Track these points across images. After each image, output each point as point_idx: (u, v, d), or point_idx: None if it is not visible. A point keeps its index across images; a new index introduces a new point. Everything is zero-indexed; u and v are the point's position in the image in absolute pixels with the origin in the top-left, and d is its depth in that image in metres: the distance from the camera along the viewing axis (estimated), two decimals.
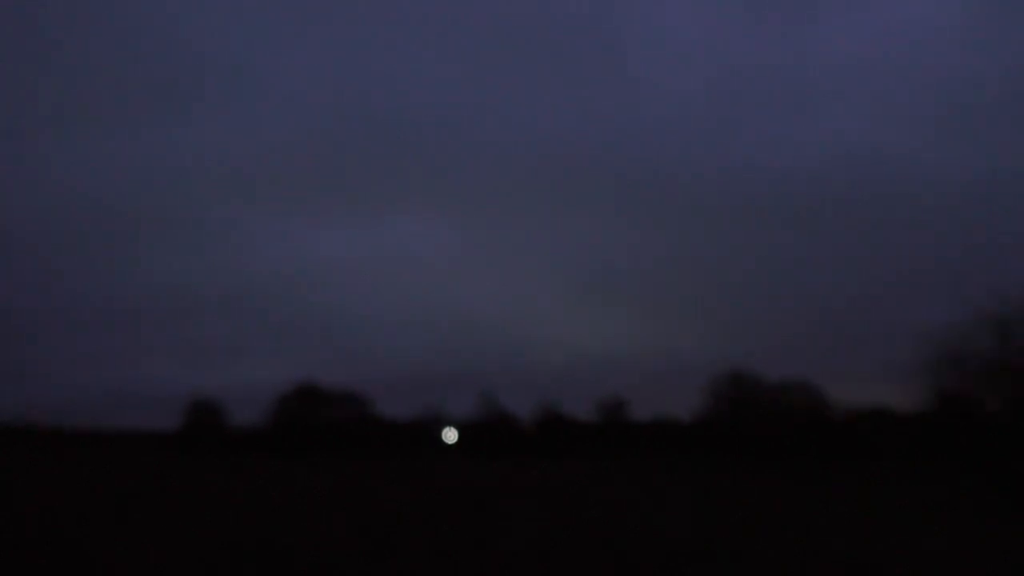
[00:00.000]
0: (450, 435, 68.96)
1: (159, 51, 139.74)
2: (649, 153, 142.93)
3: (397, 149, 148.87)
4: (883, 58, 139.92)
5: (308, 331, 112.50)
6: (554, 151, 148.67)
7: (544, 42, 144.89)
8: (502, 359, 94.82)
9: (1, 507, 22.56)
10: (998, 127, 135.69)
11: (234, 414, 69.80)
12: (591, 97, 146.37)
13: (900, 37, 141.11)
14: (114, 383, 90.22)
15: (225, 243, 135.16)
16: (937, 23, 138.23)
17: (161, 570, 12.09)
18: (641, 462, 56.67)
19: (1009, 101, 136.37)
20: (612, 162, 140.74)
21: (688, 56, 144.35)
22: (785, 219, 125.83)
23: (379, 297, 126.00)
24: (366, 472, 43.27)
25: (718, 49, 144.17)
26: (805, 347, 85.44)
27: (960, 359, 28.71)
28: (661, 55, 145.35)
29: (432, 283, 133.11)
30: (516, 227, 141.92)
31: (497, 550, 14.17)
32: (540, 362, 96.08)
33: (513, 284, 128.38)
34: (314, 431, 65.19)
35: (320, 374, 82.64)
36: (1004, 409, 28.40)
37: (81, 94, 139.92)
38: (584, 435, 66.61)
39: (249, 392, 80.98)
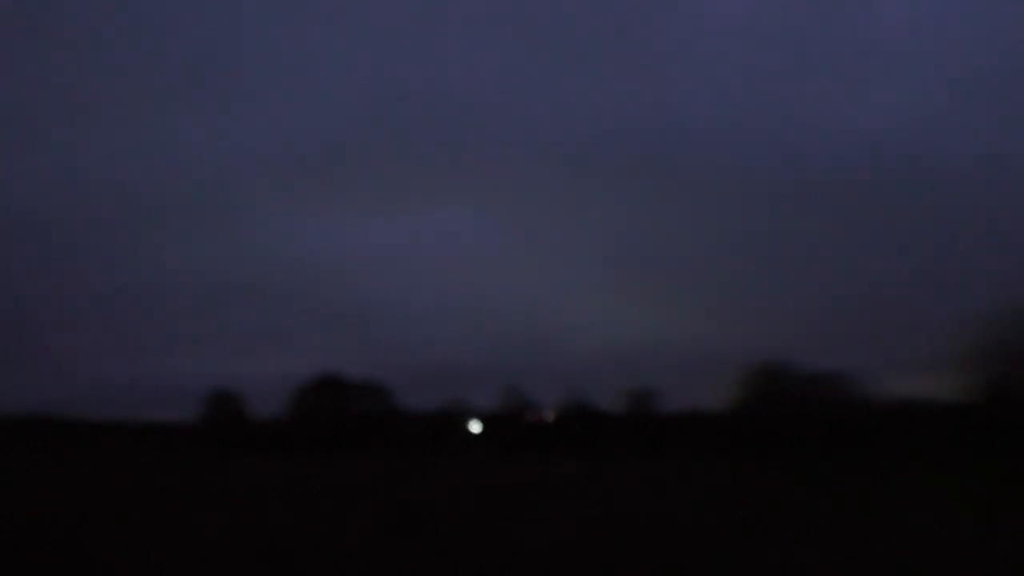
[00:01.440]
0: (475, 426, 68.76)
1: (195, 37, 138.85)
2: (688, 137, 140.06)
3: (433, 138, 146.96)
4: (938, 31, 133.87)
5: (334, 322, 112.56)
6: (592, 138, 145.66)
7: (585, 29, 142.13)
8: (530, 350, 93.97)
9: (20, 500, 23.19)
10: None
11: (255, 406, 69.67)
12: (632, 81, 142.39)
13: (954, 7, 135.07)
14: (137, 374, 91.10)
15: (256, 233, 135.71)
16: None
17: (180, 563, 12.39)
18: (670, 455, 56.21)
19: None
20: (650, 147, 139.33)
21: (732, 33, 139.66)
22: (829, 203, 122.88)
23: (407, 288, 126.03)
24: (388, 465, 43.44)
25: (763, 26, 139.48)
26: (846, 336, 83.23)
27: (1005, 349, 27.72)
28: (703, 33, 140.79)
29: (463, 273, 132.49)
30: (551, 215, 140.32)
31: (524, 546, 14.18)
32: (568, 352, 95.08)
33: (547, 273, 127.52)
34: (335, 423, 65.60)
35: (344, 366, 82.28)
36: None
37: (113, 81, 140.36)
38: (611, 427, 65.93)
39: (270, 384, 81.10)
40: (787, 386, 62.98)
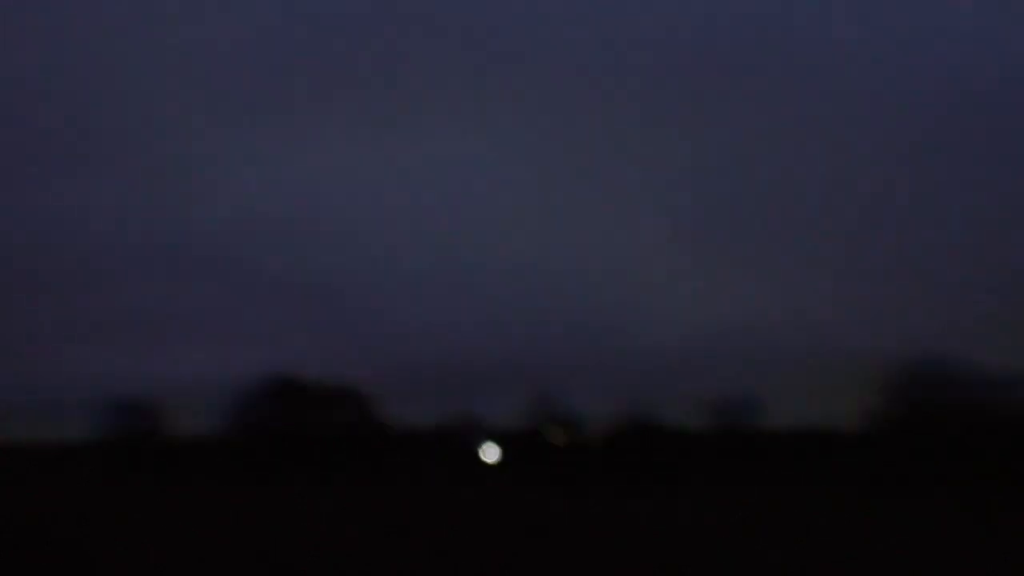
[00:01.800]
0: (490, 452, 55.60)
1: None
2: (793, 52, 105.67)
3: (428, 39, 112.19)
4: None
5: (292, 302, 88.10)
6: (658, 48, 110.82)
7: None
8: (570, 342, 71.70)
9: None
10: None
11: (181, 420, 56.83)
12: None
13: None
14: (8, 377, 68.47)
15: (178, 177, 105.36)
16: None
17: None
18: (777, 489, 44.34)
19: None
20: (742, 60, 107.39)
21: None
22: (995, 142, 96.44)
23: (397, 254, 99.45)
24: (367, 499, 37.30)
25: None
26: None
27: None
28: None
29: (474, 232, 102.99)
30: (602, 153, 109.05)
31: None
32: (626, 346, 72.51)
33: (595, 234, 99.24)
34: (295, 442, 52.66)
35: (306, 364, 61.15)
36: None
37: None
38: (690, 451, 52.14)
39: (201, 390, 59.75)
40: (947, 393, 48.87)
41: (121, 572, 13.12)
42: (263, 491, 42.83)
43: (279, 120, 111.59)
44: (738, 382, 57.26)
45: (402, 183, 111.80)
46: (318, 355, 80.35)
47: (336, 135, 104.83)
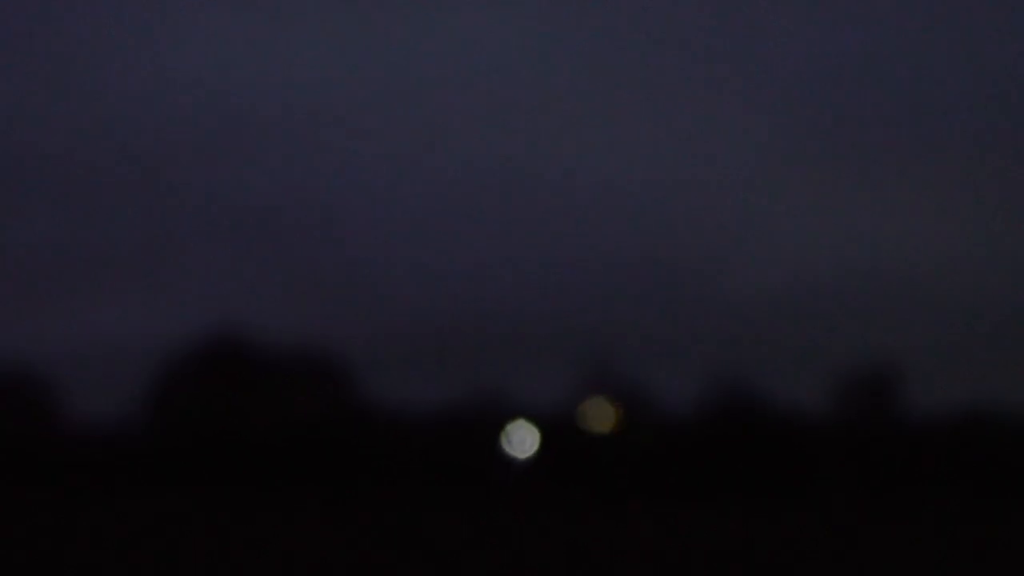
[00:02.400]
0: (521, 443, 41.83)
1: None
2: None
3: None
4: None
5: (236, 236, 71.11)
6: None
7: None
8: (639, 291, 57.54)
9: None
10: None
11: (79, 403, 43.01)
12: None
13: None
14: None
15: (81, 64, 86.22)
16: None
17: None
18: (932, 498, 34.38)
19: None
20: None
21: None
22: None
23: (392, 169, 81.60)
24: (341, 513, 29.19)
25: None
26: None
27: None
28: None
29: (503, 141, 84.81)
30: (680, 44, 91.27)
31: None
32: (720, 296, 58.50)
33: (668, 149, 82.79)
34: (236, 438, 40.91)
35: (257, 321, 47.13)
36: None
37: None
38: (807, 446, 39.95)
39: (108, 362, 45.49)
40: None
41: None
42: (192, 502, 32.08)
43: None
44: (870, 348, 45.17)
45: (403, 66, 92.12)
46: (275, 312, 63.82)
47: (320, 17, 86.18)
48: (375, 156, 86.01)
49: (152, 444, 41.38)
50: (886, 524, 28.11)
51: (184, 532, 25.45)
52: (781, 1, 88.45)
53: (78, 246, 72.93)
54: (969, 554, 18.78)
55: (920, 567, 16.94)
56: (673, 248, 71.21)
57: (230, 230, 76.23)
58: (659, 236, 74.32)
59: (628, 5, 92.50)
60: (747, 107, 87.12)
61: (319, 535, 23.97)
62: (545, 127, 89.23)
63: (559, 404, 41.34)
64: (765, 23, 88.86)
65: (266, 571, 16.26)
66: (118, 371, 44.12)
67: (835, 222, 77.91)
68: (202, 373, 41.67)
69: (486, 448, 41.21)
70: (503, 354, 50.08)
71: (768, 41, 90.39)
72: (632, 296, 62.52)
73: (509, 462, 42.60)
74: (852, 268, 63.48)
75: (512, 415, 42.09)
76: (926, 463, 38.22)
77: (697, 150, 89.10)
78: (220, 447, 40.26)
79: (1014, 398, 39.37)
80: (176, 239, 72.59)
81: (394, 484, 38.98)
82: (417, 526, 27.43)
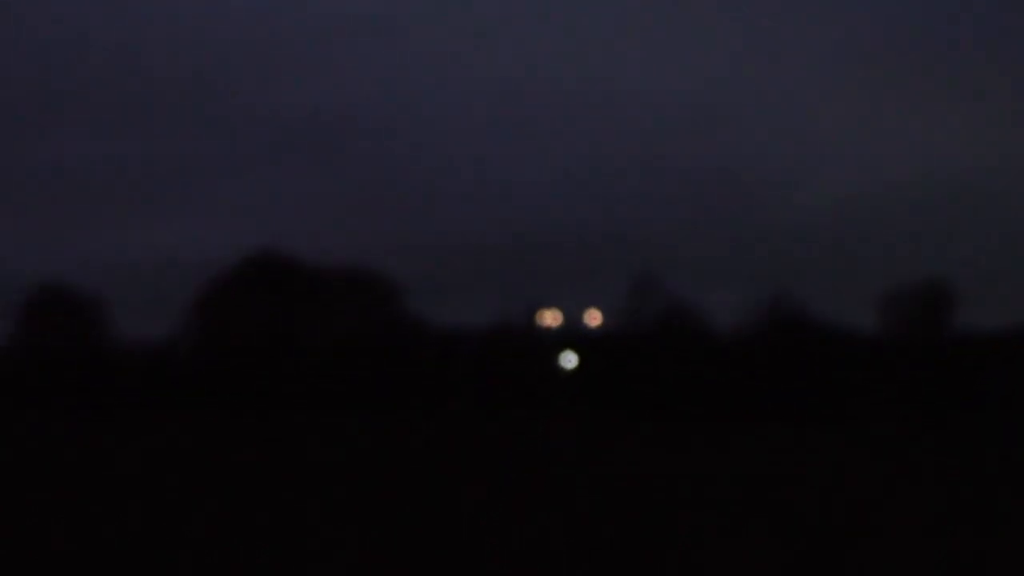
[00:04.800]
0: (568, 360, 42.82)
1: None
2: None
3: None
4: None
5: (282, 155, 71.98)
6: None
7: None
8: (690, 207, 57.44)
9: None
10: None
11: (121, 319, 43.56)
12: None
13: None
14: None
15: None
16: None
17: None
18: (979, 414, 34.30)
19: None
20: None
21: None
22: None
23: (437, 82, 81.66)
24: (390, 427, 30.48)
25: None
26: None
27: None
28: None
29: (551, 51, 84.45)
30: None
31: None
32: (770, 212, 58.23)
33: (717, 63, 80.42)
34: (283, 352, 40.74)
35: (300, 239, 48.43)
36: None
37: None
38: (857, 361, 38.59)
39: (150, 275, 46.92)
40: None
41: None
42: (236, 418, 34.47)
43: None
44: (931, 267, 43.95)
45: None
46: (321, 228, 64.06)
47: None
48: (423, 84, 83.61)
49: (200, 353, 42.01)
50: (936, 435, 28.58)
51: (232, 432, 27.36)
52: None
53: (137, 166, 72.92)
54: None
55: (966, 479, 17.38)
56: (723, 170, 69.29)
57: (279, 153, 75.75)
58: (710, 158, 72.06)
59: None
60: (809, 26, 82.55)
61: (361, 440, 25.57)
62: (602, 42, 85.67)
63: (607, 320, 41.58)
64: None
65: (309, 472, 17.70)
66: (173, 285, 45.03)
67: (881, 140, 74.74)
68: (244, 289, 41.86)
69: (527, 359, 41.27)
70: (552, 273, 50.03)
71: None
72: (683, 216, 61.41)
73: (559, 373, 42.93)
74: (901, 181, 61.66)
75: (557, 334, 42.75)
76: (977, 377, 37.13)
77: (742, 74, 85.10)
78: (265, 362, 40.42)
79: None
80: (227, 160, 72.60)
81: (441, 396, 39.36)
82: (463, 431, 29.61)
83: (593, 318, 44.55)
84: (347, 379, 40.02)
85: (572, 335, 43.81)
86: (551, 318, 43.98)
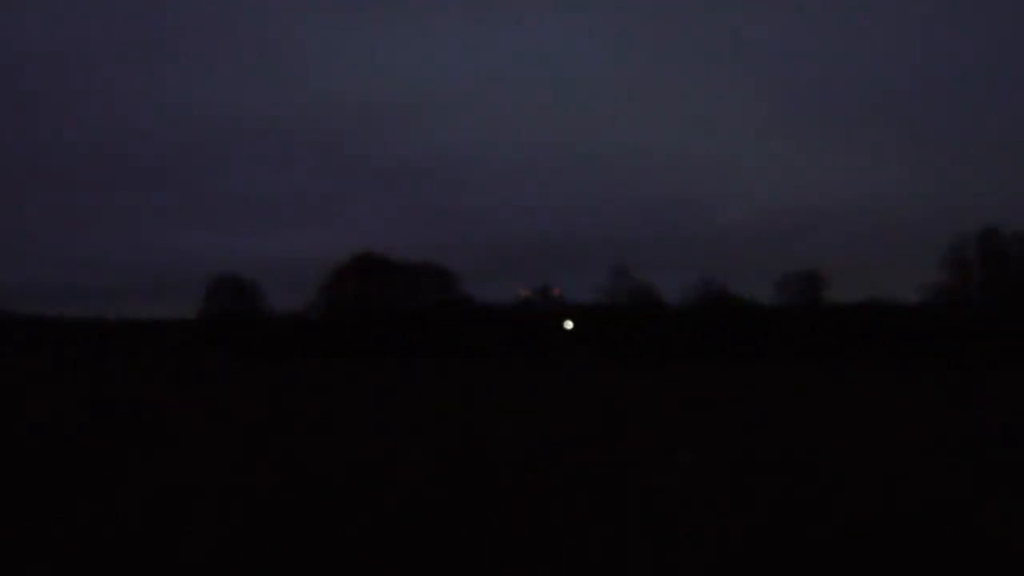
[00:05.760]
0: (568, 325, 56.18)
1: None
2: None
3: None
4: None
5: (385, 182, 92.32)
6: None
7: None
8: (653, 218, 74.40)
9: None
10: None
11: (274, 297, 57.76)
12: None
13: None
14: (116, 253, 73.39)
15: (278, 61, 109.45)
16: None
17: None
18: (847, 362, 45.24)
19: None
20: None
21: None
22: None
23: (486, 132, 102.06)
24: (455, 374, 35.66)
25: None
26: None
27: None
28: None
29: (568, 108, 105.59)
30: (691, 29, 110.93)
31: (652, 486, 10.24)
32: (706, 222, 75.45)
33: (682, 109, 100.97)
34: (379, 318, 53.93)
35: (396, 242, 64.19)
36: None
37: None
38: (763, 325, 52.27)
39: (292, 268, 63.61)
40: (1012, 262, 50.63)
41: (213, 437, 14.33)
42: (348, 363, 44.02)
43: (377, 10, 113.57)
44: (811, 259, 59.05)
45: (494, 66, 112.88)
46: (408, 235, 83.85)
47: (427, 19, 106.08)
48: (478, 136, 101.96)
49: (322, 323, 55.70)
50: (807, 373, 36.81)
51: (349, 382, 32.40)
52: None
53: (286, 194, 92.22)
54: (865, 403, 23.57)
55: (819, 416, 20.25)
56: (662, 197, 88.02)
57: (380, 182, 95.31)
58: (671, 185, 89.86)
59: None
60: (741, 95, 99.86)
61: (432, 387, 30.64)
62: (593, 111, 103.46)
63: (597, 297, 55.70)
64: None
65: (396, 400, 22.68)
66: (301, 278, 60.24)
67: (792, 174, 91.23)
68: (354, 277, 55.84)
69: (544, 326, 55.19)
70: (557, 265, 66.27)
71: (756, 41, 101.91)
72: (643, 231, 78.53)
73: (563, 333, 56.13)
74: (790, 206, 77.47)
75: (562, 306, 57.03)
76: (848, 341, 49.55)
77: (701, 125, 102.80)
78: (367, 326, 53.97)
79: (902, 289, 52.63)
80: (343, 187, 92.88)
81: (485, 349, 52.60)
82: (506, 377, 36.83)
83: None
84: (420, 337, 52.91)
85: (570, 307, 56.41)
86: (556, 296, 57.70)
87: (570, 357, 51.58)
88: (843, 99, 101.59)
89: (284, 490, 9.93)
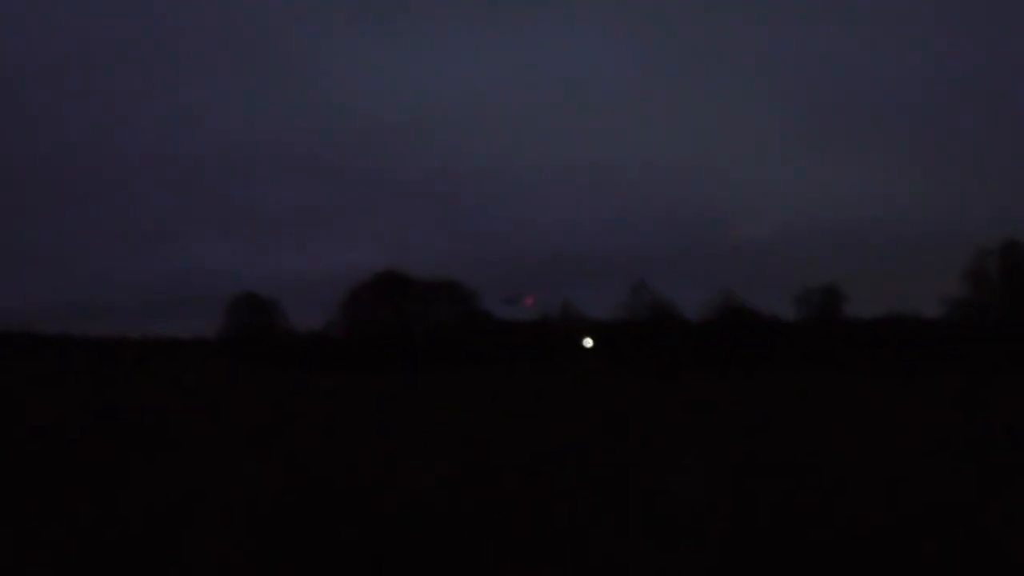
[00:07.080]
0: (587, 341, 56.70)
1: None
2: None
3: None
4: None
5: (406, 200, 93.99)
6: None
7: None
8: (674, 235, 75.00)
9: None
10: None
11: (294, 315, 58.68)
12: None
13: None
14: (139, 273, 74.68)
15: (299, 78, 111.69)
16: None
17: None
18: (863, 374, 44.08)
19: None
20: None
21: None
22: None
23: (506, 148, 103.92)
24: (472, 388, 35.64)
25: None
26: None
27: None
28: None
29: (588, 124, 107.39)
30: (716, 45, 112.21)
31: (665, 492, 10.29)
32: (726, 238, 75.93)
33: (704, 125, 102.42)
34: (399, 335, 54.59)
35: (411, 259, 64.91)
36: None
37: None
38: (783, 339, 52.71)
39: (314, 286, 64.43)
40: None
41: (227, 449, 13.73)
42: (370, 378, 43.43)
43: (394, 26, 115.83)
44: (832, 274, 59.44)
45: (514, 82, 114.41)
46: (427, 252, 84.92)
47: (448, 38, 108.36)
48: (498, 153, 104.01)
49: (343, 339, 55.98)
50: (837, 391, 34.27)
51: (363, 396, 31.68)
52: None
53: (304, 211, 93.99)
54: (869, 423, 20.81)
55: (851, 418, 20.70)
56: (684, 213, 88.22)
57: (401, 200, 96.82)
58: (689, 201, 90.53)
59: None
60: (759, 110, 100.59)
61: (455, 398, 30.64)
62: (612, 127, 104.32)
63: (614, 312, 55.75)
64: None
65: (417, 416, 21.85)
66: (321, 295, 60.93)
67: (809, 189, 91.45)
68: (374, 294, 56.20)
69: (564, 341, 55.45)
70: (577, 280, 66.63)
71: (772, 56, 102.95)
72: (665, 247, 78.91)
73: (583, 350, 56.56)
74: (812, 222, 77.81)
75: (582, 323, 56.87)
76: (866, 353, 49.79)
77: (721, 142, 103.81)
78: (383, 344, 54.07)
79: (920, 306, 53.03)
80: (367, 204, 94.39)
81: (502, 363, 52.38)
82: (517, 385, 37.53)
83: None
84: (439, 351, 53.43)
85: (590, 324, 56.24)
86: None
87: (589, 373, 50.27)
88: (863, 115, 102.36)
89: (288, 493, 10.05)
